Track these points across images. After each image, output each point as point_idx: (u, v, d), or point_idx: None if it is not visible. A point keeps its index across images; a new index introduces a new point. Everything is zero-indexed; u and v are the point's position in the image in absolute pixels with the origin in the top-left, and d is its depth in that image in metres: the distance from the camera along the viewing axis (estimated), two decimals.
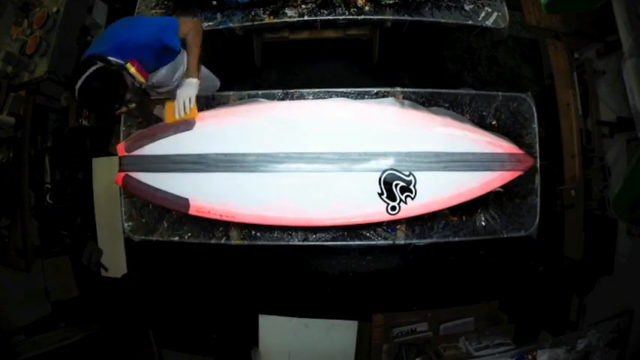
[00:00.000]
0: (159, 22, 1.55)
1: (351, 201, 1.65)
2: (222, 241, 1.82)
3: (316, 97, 1.82)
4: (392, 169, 1.63)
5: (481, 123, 1.79)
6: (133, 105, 1.43)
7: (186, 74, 1.62)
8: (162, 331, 2.57)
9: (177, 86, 1.67)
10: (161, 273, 2.65)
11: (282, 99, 1.83)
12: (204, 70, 1.88)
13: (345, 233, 1.79)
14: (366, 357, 2.33)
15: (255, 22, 2.10)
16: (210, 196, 1.66)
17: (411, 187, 1.63)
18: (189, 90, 1.62)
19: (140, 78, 1.45)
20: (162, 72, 1.66)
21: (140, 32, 1.49)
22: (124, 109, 1.42)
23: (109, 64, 1.37)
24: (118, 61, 1.41)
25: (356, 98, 1.82)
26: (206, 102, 1.87)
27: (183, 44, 1.59)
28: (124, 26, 1.52)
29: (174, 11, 2.20)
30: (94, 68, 1.34)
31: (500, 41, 2.66)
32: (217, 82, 2.04)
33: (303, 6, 2.08)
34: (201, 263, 2.55)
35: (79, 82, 1.34)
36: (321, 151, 1.64)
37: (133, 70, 1.42)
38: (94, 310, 2.62)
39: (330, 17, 2.06)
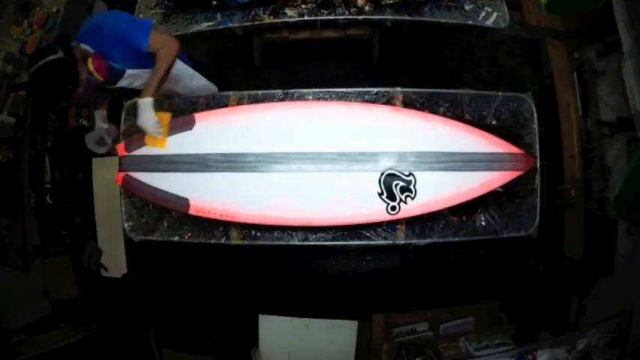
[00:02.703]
0: (135, 20, 1.55)
1: (351, 201, 1.65)
2: (222, 241, 1.82)
3: (316, 97, 1.82)
4: (392, 169, 1.63)
5: (481, 123, 1.79)
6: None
7: (143, 92, 1.58)
8: (162, 331, 2.57)
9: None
10: (161, 273, 2.65)
11: (282, 99, 1.83)
12: (200, 80, 1.88)
13: (345, 233, 1.79)
14: (366, 357, 2.33)
15: (255, 22, 2.09)
16: (210, 196, 1.67)
17: (411, 187, 1.63)
18: (144, 115, 1.57)
19: (98, 77, 1.43)
20: (138, 74, 1.62)
21: (115, 23, 1.49)
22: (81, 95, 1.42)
23: (71, 56, 1.37)
24: (87, 48, 1.41)
25: (356, 98, 1.82)
26: (206, 102, 1.87)
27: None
28: (107, 15, 1.55)
29: (174, 11, 2.20)
30: (51, 58, 1.33)
31: (501, 41, 2.66)
32: (215, 89, 2.03)
33: (303, 6, 2.08)
34: (201, 263, 2.55)
35: (33, 68, 1.33)
36: (321, 151, 1.64)
37: (91, 67, 1.41)
38: (94, 310, 2.62)
39: (330, 17, 2.06)
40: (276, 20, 2.08)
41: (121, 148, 1.72)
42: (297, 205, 1.66)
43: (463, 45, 2.70)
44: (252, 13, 2.10)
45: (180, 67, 1.77)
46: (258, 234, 1.81)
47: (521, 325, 2.23)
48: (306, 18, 2.07)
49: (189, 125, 1.69)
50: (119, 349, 2.51)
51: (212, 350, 2.60)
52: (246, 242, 1.81)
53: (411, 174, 1.63)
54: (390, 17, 2.05)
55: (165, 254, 2.50)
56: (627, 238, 2.10)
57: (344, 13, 2.05)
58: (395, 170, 1.63)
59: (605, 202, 2.20)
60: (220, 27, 2.11)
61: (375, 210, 1.63)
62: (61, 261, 2.65)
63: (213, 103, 1.86)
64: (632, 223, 1.97)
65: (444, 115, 1.77)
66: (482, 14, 2.05)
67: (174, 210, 1.78)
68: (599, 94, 2.29)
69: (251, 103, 1.81)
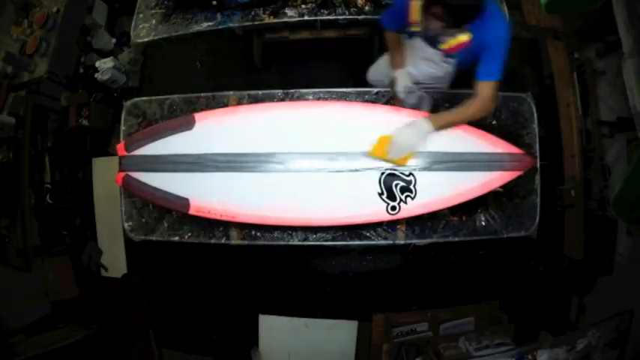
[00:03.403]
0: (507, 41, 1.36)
1: (351, 201, 1.65)
2: (222, 241, 1.82)
3: (316, 97, 1.82)
4: (392, 169, 1.63)
5: (481, 123, 1.79)
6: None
7: (431, 119, 1.50)
8: (162, 331, 2.58)
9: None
10: (161, 273, 2.65)
11: (282, 99, 1.83)
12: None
13: (345, 233, 1.79)
14: (366, 357, 2.33)
15: (255, 22, 2.09)
16: (210, 196, 1.66)
17: (411, 187, 1.63)
18: (415, 137, 1.49)
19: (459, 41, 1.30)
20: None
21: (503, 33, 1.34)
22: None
23: None
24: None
25: (356, 98, 1.82)
26: (206, 102, 1.87)
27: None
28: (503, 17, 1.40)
29: (174, 11, 2.20)
30: None
31: None
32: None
33: (303, 6, 2.08)
34: (201, 263, 2.55)
35: None
36: (321, 150, 1.64)
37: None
38: (94, 310, 2.62)
39: (330, 17, 2.06)
40: (276, 20, 2.08)
41: (120, 148, 1.72)
42: (297, 205, 1.66)
43: None
44: (252, 13, 2.10)
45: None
46: (258, 234, 1.81)
47: (521, 325, 2.23)
48: (306, 18, 2.07)
49: (189, 125, 1.69)
50: (119, 349, 2.51)
51: (212, 350, 2.59)
52: (246, 242, 1.81)
53: (411, 174, 1.63)
54: None
55: (165, 254, 2.50)
56: (627, 238, 2.11)
57: (344, 13, 2.05)
58: (395, 170, 1.63)
59: (605, 202, 2.20)
60: (220, 27, 2.11)
61: (375, 210, 1.63)
62: (61, 261, 2.65)
63: (213, 103, 1.86)
64: (632, 223, 1.97)
65: None
66: None
67: (174, 210, 1.78)
68: (599, 94, 2.29)
69: (251, 103, 1.82)
